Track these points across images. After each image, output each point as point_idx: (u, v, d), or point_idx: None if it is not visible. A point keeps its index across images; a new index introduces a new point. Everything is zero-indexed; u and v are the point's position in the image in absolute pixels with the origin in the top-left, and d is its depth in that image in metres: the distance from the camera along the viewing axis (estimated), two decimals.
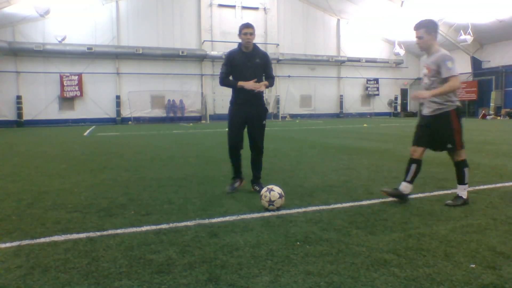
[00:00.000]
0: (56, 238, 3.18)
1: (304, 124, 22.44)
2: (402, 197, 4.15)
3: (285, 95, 31.95)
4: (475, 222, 3.47)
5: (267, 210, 3.90)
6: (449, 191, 4.58)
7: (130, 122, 27.47)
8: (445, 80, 3.89)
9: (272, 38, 31.25)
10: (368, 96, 35.45)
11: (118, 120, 27.59)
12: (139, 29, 27.78)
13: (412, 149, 4.16)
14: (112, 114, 27.68)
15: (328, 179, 5.56)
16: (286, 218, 3.67)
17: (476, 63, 31.49)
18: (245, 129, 4.83)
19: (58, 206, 4.21)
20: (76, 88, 26.35)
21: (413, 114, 35.15)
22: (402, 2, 26.19)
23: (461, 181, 4.06)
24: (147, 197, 4.59)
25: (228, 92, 4.92)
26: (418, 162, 4.10)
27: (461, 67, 29.81)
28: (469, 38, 27.09)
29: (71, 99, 26.71)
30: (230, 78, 4.78)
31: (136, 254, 2.82)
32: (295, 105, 32.80)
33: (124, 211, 3.98)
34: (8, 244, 3.05)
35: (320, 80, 33.32)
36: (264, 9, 31.06)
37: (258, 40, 27.78)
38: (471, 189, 4.42)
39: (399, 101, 36.56)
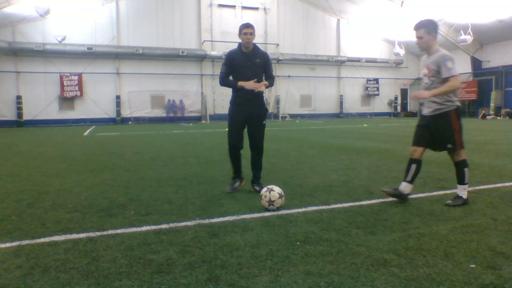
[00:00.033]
0: (56, 238, 3.18)
1: (304, 124, 22.44)
2: (402, 197, 4.15)
3: (285, 95, 31.95)
4: (475, 222, 3.47)
5: (267, 210, 3.90)
6: (449, 191, 4.59)
7: (130, 122, 27.48)
8: (445, 80, 3.89)
9: (272, 38, 31.25)
10: (368, 96, 35.45)
11: (118, 120, 27.59)
12: (139, 29, 27.78)
13: (412, 149, 4.17)
14: (112, 114, 27.68)
15: (328, 179, 5.56)
16: (286, 218, 3.67)
17: (476, 63, 31.50)
18: (245, 129, 4.84)
19: (58, 206, 4.21)
20: (76, 88, 26.35)
21: (413, 114, 35.17)
22: (402, 2, 26.19)
23: (461, 181, 4.06)
24: (147, 197, 4.60)
25: (228, 92, 4.92)
26: (418, 162, 4.11)
27: (461, 67, 29.83)
28: (469, 38, 27.09)
29: (71, 99, 26.71)
30: (230, 78, 4.79)
31: (136, 254, 2.82)
32: (295, 105, 32.79)
33: (124, 211, 3.98)
34: (8, 244, 3.05)
35: (320, 80, 33.32)
36: (264, 9, 31.05)
37: (258, 40, 27.78)
38: (471, 189, 4.42)
39: (399, 101, 36.57)
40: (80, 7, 25.79)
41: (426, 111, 4.13)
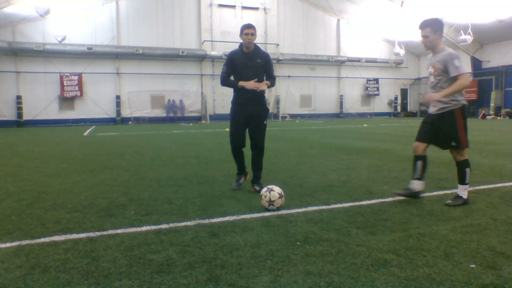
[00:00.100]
0: (56, 238, 3.18)
1: (304, 124, 22.44)
2: (415, 196, 4.16)
3: (285, 95, 31.96)
4: (475, 222, 3.47)
5: (267, 210, 3.90)
6: (449, 191, 4.59)
7: (130, 122, 27.48)
8: (454, 79, 3.89)
9: (272, 38, 31.26)
10: (368, 96, 35.46)
11: (118, 120, 27.60)
12: (139, 29, 27.79)
13: (415, 144, 4.17)
14: (112, 114, 27.69)
15: (328, 179, 5.56)
16: (286, 218, 3.67)
17: (476, 63, 31.50)
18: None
19: (58, 206, 4.21)
20: (76, 88, 26.37)
21: (413, 114, 35.19)
22: (402, 2, 26.20)
23: (462, 181, 4.06)
24: (147, 197, 4.60)
25: (228, 92, 4.94)
26: (422, 158, 4.11)
27: None
28: (469, 38, 27.10)
29: (71, 99, 26.72)
30: (232, 78, 4.81)
31: (136, 254, 2.82)
32: (295, 105, 32.81)
33: (124, 211, 3.98)
34: (8, 244, 3.05)
35: (320, 80, 33.33)
36: (264, 9, 31.06)
37: (258, 40, 27.54)
38: (471, 189, 4.42)
39: (399, 101, 36.57)
40: (80, 7, 25.80)
41: (432, 109, 4.14)
